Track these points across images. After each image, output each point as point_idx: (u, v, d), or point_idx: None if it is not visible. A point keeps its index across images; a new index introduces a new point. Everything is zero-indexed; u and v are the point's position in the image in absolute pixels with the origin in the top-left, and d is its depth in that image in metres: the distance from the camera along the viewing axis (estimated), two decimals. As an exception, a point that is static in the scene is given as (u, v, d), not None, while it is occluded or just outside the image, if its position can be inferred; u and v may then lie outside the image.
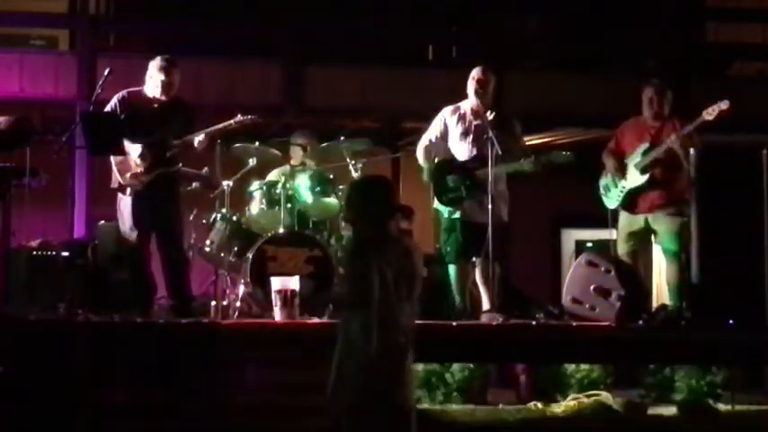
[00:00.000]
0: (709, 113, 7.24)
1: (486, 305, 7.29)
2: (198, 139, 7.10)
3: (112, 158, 7.18)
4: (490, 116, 7.22)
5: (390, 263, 4.81)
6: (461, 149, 7.37)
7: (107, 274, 7.79)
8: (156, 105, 7.21)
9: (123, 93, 7.25)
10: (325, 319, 6.88)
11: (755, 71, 11.26)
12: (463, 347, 6.84)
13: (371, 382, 4.78)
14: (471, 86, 7.37)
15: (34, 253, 7.78)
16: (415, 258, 4.95)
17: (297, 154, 8.28)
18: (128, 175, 7.13)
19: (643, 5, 10.57)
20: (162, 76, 7.17)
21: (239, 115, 7.26)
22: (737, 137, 9.71)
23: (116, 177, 7.18)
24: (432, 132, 7.51)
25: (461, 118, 7.39)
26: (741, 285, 7.46)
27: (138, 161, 7.10)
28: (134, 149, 7.10)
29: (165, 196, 7.20)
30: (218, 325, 6.67)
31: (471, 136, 7.34)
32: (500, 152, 7.04)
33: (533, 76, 10.46)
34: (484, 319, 7.20)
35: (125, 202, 7.19)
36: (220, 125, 7.22)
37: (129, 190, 7.14)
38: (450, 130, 7.42)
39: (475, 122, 7.35)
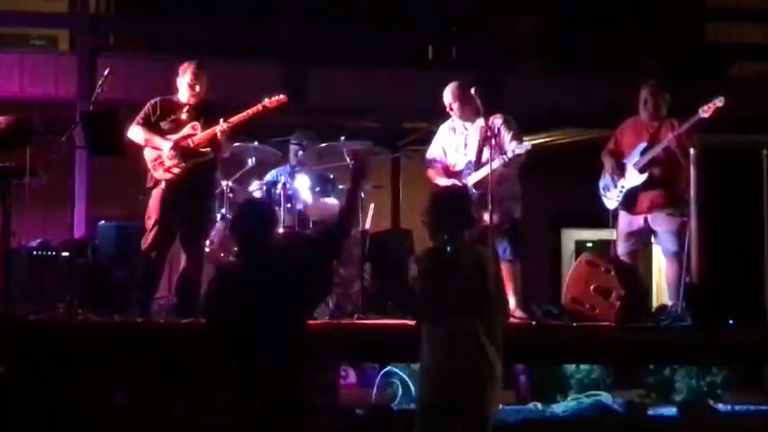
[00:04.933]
0: (705, 111, 7.27)
1: (511, 305, 7.31)
2: (219, 128, 7.09)
3: (147, 156, 7.20)
4: (479, 124, 7.37)
5: (459, 274, 4.92)
6: (457, 161, 7.46)
7: (107, 274, 7.79)
8: (185, 109, 7.24)
9: (156, 99, 7.30)
10: (325, 320, 6.90)
11: (755, 71, 11.26)
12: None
13: (439, 386, 4.92)
14: (449, 109, 7.47)
15: (34, 253, 7.77)
16: (485, 267, 5.06)
17: (297, 154, 8.28)
18: (162, 169, 7.14)
19: (643, 5, 10.56)
20: (188, 80, 7.21)
21: (266, 98, 7.26)
22: (737, 137, 9.72)
23: (151, 174, 7.19)
24: (432, 148, 7.63)
25: (453, 132, 7.52)
26: (741, 285, 7.46)
27: (171, 154, 7.10)
28: (166, 145, 7.11)
29: (198, 190, 7.19)
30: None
31: (464, 147, 7.44)
32: (493, 157, 7.15)
33: (533, 77, 10.46)
34: (511, 319, 7.21)
35: (156, 196, 7.16)
36: (245, 113, 7.19)
37: (163, 183, 7.14)
38: (446, 145, 7.54)
39: (465, 133, 7.45)
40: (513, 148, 7.19)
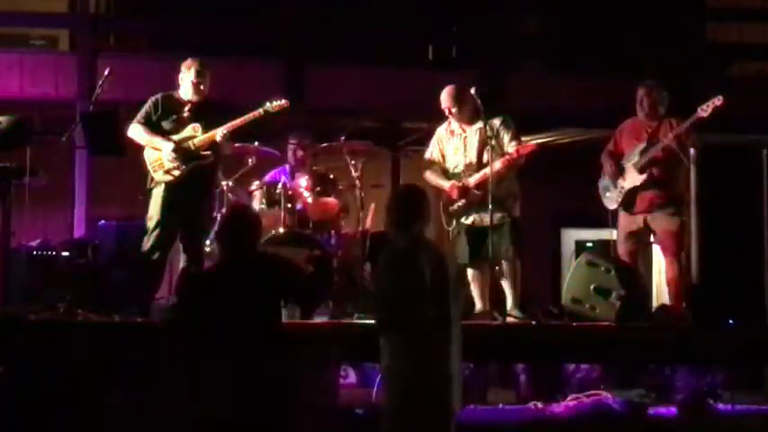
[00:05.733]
0: (704, 110, 7.25)
1: (509, 305, 7.32)
2: (220, 132, 7.09)
3: (146, 157, 7.18)
4: (476, 126, 7.35)
5: (422, 272, 4.90)
6: (457, 163, 7.45)
7: (107, 274, 7.79)
8: (188, 107, 7.23)
9: (157, 95, 7.27)
10: (325, 320, 6.90)
11: (755, 71, 11.27)
12: (464, 347, 6.85)
13: (410, 386, 4.92)
14: (447, 112, 7.46)
15: (34, 253, 7.77)
16: (446, 266, 5.04)
17: (296, 154, 8.28)
18: (161, 171, 7.14)
19: (643, 5, 10.57)
20: (192, 77, 7.19)
21: (267, 102, 7.26)
22: (737, 137, 9.72)
23: (151, 175, 7.18)
24: (429, 150, 7.62)
25: (452, 134, 7.50)
26: (741, 285, 7.46)
27: (172, 156, 7.10)
28: (167, 146, 7.11)
29: (198, 191, 7.18)
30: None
31: (463, 149, 7.42)
32: (493, 158, 7.15)
33: (533, 77, 10.46)
34: (509, 318, 7.21)
35: (156, 196, 7.15)
36: (246, 116, 7.18)
37: (163, 185, 7.13)
38: (444, 147, 7.53)
39: (464, 135, 7.44)
40: (515, 147, 7.21)
